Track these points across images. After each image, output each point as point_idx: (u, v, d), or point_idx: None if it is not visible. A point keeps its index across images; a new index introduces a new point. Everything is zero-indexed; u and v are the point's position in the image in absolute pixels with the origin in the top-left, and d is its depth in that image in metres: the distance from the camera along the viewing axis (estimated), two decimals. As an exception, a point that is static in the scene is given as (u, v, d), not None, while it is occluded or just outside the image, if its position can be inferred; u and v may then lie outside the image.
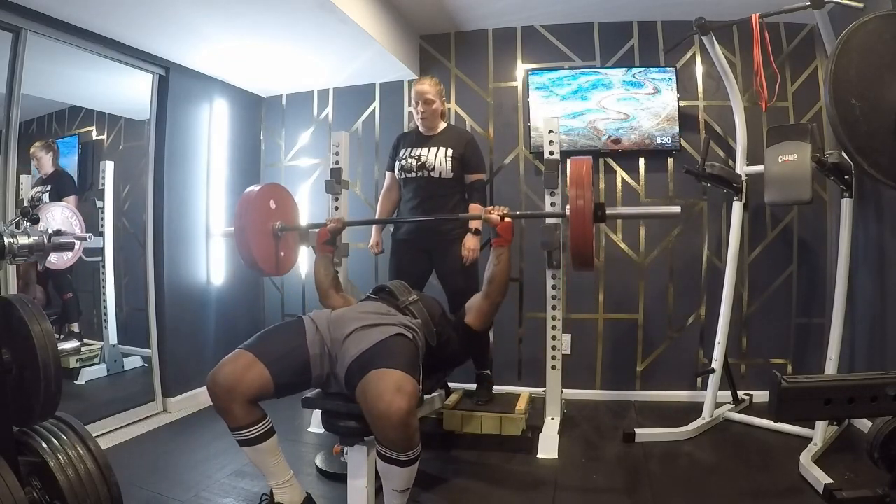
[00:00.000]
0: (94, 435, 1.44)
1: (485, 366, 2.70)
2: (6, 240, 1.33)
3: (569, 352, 3.11)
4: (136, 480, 2.08)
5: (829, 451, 2.26)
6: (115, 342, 3.12)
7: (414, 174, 2.57)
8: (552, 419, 2.51)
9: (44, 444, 1.33)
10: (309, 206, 3.56)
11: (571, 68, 3.19)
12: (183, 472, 2.24)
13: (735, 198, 2.71)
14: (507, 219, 2.05)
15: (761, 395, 2.94)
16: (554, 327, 2.51)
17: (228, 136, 3.42)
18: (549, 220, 2.44)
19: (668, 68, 3.06)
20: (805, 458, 2.12)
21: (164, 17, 2.41)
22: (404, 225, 2.65)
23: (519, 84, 3.29)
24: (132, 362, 3.17)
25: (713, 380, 2.68)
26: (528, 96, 3.19)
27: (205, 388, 1.67)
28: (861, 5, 2.08)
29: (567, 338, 3.11)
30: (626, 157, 3.16)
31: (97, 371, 3.06)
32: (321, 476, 2.20)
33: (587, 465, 2.29)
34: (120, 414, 2.73)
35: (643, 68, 3.08)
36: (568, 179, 1.96)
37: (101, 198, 3.02)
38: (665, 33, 3.13)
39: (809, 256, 3.03)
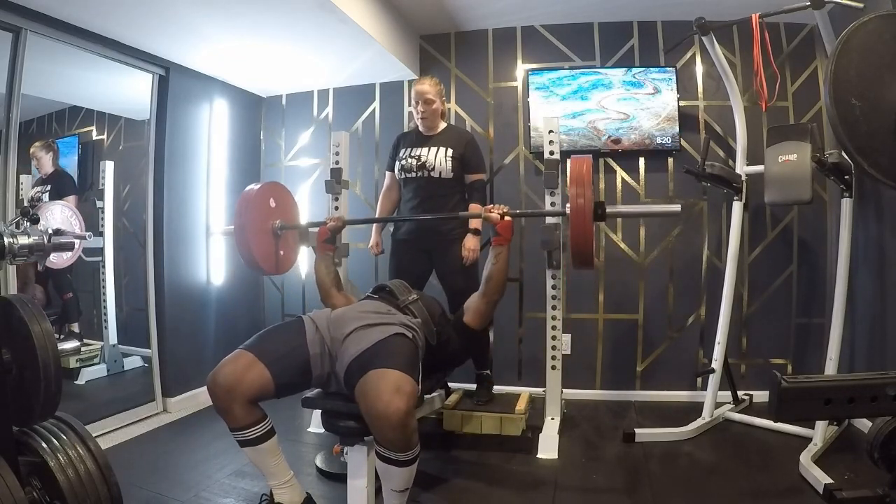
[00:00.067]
0: (94, 435, 1.44)
1: (485, 366, 2.70)
2: (6, 240, 1.33)
3: (569, 352, 3.11)
4: (136, 480, 2.08)
5: (829, 451, 2.26)
6: (115, 342, 3.12)
7: (414, 174, 2.57)
8: (552, 419, 2.51)
9: (44, 444, 1.33)
10: (309, 206, 3.56)
11: (571, 68, 3.19)
12: (183, 472, 2.24)
13: (735, 198, 2.71)
14: (506, 217, 2.05)
15: (761, 395, 2.94)
16: (554, 327, 2.51)
17: (228, 136, 3.42)
18: (549, 220, 2.44)
19: (668, 68, 3.06)
20: (805, 458, 2.12)
21: (164, 17, 2.41)
22: (404, 225, 2.65)
23: (519, 84, 3.29)
24: (132, 362, 3.17)
25: (713, 380, 2.68)
26: (528, 96, 3.19)
27: (205, 388, 1.67)
28: (861, 5, 2.08)
29: (567, 338, 3.11)
30: (626, 157, 3.16)
31: (97, 371, 3.06)
32: (321, 476, 2.20)
33: (587, 465, 2.29)
34: (120, 414, 2.73)
35: (643, 68, 3.08)
36: (568, 178, 1.96)
37: (101, 198, 3.02)
38: (665, 33, 3.13)
39: (809, 256, 3.03)
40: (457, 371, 2.30)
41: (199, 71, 3.15)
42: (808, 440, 2.27)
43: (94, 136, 3.14)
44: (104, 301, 3.08)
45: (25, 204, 2.67)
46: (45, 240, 1.40)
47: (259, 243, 2.20)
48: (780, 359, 3.07)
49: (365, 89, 3.51)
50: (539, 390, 2.70)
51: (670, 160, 3.14)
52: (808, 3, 2.21)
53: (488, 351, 2.78)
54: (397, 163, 2.64)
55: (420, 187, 2.57)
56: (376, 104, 3.51)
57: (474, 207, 2.52)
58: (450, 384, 2.71)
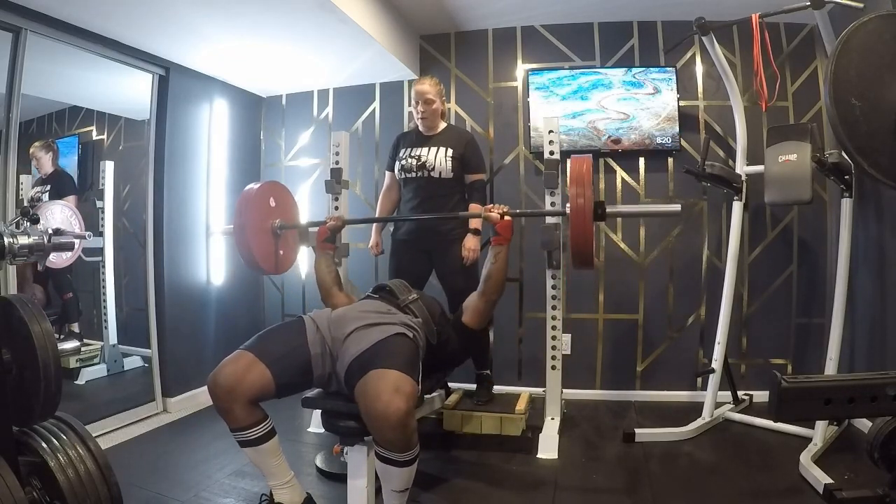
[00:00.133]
0: (94, 435, 1.44)
1: (485, 366, 2.70)
2: (6, 240, 1.33)
3: (569, 352, 3.11)
4: (136, 480, 2.08)
5: (829, 451, 2.26)
6: (115, 342, 3.12)
7: (414, 174, 2.57)
8: (552, 419, 2.51)
9: (44, 444, 1.33)
10: (309, 206, 3.56)
11: (571, 68, 3.19)
12: (183, 472, 2.24)
13: (735, 198, 2.71)
14: (506, 217, 2.05)
15: (761, 395, 2.94)
16: (554, 327, 2.51)
17: (228, 136, 3.42)
18: (549, 220, 2.44)
19: (668, 68, 3.06)
20: (805, 458, 2.12)
21: (164, 17, 2.41)
22: (404, 225, 2.65)
23: (519, 84, 3.29)
24: (132, 362, 3.17)
25: (713, 380, 2.68)
26: (528, 96, 3.19)
27: (205, 388, 1.67)
28: (861, 5, 2.08)
29: (567, 338, 3.11)
30: (626, 157, 3.16)
31: (97, 371, 3.06)
32: (321, 476, 2.20)
33: (587, 465, 2.29)
34: (120, 414, 2.73)
35: (643, 68, 3.08)
36: (568, 177, 1.96)
37: (101, 198, 3.02)
38: (665, 33, 3.13)
39: (809, 256, 3.03)
40: (457, 371, 2.30)
41: (199, 71, 3.15)
42: (808, 440, 2.27)
43: (94, 136, 3.14)
44: (104, 301, 3.08)
45: (25, 204, 2.67)
46: (45, 240, 1.40)
47: (259, 243, 2.20)
48: (780, 359, 3.07)
49: (365, 89, 3.51)
50: (539, 390, 2.70)
51: (670, 160, 3.14)
52: (808, 3, 2.21)
53: (488, 351, 2.78)
54: (397, 163, 2.64)
55: (420, 187, 2.57)
56: (376, 104, 3.51)
57: (474, 207, 2.51)
58: (450, 384, 2.71)
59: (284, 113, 3.72)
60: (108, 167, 3.04)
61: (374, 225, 2.84)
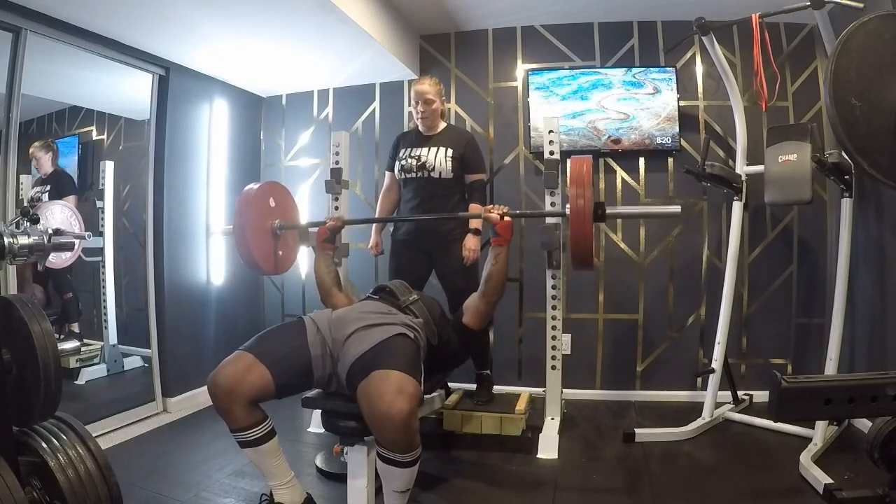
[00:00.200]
0: (94, 435, 1.44)
1: (485, 366, 2.70)
2: (6, 240, 1.32)
3: (569, 352, 3.11)
4: (136, 480, 2.08)
5: (829, 451, 2.26)
6: (115, 342, 3.12)
7: (414, 174, 2.57)
8: (552, 419, 2.51)
9: (44, 444, 1.33)
10: (309, 206, 3.56)
11: (571, 68, 3.19)
12: (183, 472, 2.24)
13: (735, 198, 2.71)
14: (506, 218, 2.04)
15: (761, 395, 2.94)
16: (554, 327, 2.51)
17: (228, 136, 3.42)
18: (548, 220, 2.44)
19: (668, 68, 3.06)
20: (805, 458, 2.12)
21: (164, 17, 2.41)
22: (404, 225, 2.65)
23: (519, 84, 3.29)
24: (132, 362, 3.17)
25: (713, 380, 2.68)
26: (528, 96, 3.19)
27: (205, 388, 1.67)
28: (861, 5, 2.08)
29: (567, 338, 3.11)
30: (626, 157, 3.16)
31: (97, 371, 3.06)
32: (321, 476, 2.20)
33: (587, 465, 2.29)
34: (120, 414, 2.73)
35: (643, 68, 3.08)
36: (568, 178, 1.95)
37: (101, 198, 3.02)
38: (665, 33, 3.13)
39: (809, 256, 3.03)
40: (457, 371, 2.30)
41: (199, 71, 3.15)
42: (808, 440, 2.27)
43: (94, 136, 3.14)
44: (104, 301, 3.08)
45: (25, 204, 2.67)
46: (45, 240, 1.40)
47: (258, 243, 2.20)
48: (780, 359, 3.07)
49: (365, 89, 3.51)
50: (539, 390, 2.70)
51: (670, 160, 3.14)
52: (808, 3, 2.21)
53: (488, 351, 2.78)
54: (397, 163, 2.64)
55: (420, 187, 2.57)
56: (376, 104, 3.51)
57: (474, 207, 2.51)
58: (450, 384, 2.71)
59: (284, 113, 3.72)
60: (108, 167, 3.04)
61: (374, 225, 2.84)
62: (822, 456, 2.20)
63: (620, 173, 3.19)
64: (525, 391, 2.77)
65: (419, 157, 2.57)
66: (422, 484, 1.99)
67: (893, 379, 1.00)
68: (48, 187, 2.86)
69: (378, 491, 1.70)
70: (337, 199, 2.75)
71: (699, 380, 3.06)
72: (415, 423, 1.51)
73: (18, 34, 2.27)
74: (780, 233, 3.05)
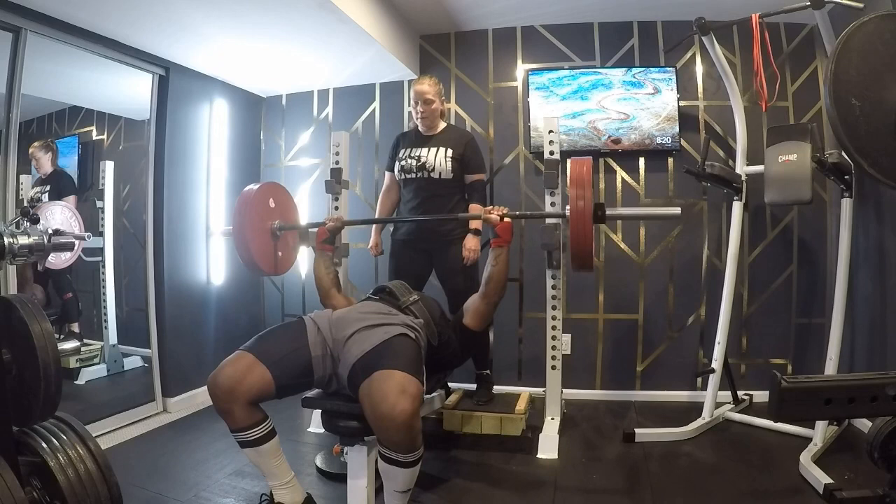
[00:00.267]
0: (94, 435, 1.43)
1: (485, 366, 2.70)
2: (6, 240, 1.32)
3: (569, 352, 3.11)
4: (136, 480, 2.08)
5: (829, 451, 2.26)
6: (115, 342, 3.12)
7: (414, 175, 2.57)
8: (552, 419, 2.51)
9: (44, 444, 1.33)
10: (309, 206, 3.56)
11: (571, 68, 3.19)
12: (183, 472, 2.24)
13: (735, 198, 2.71)
14: (506, 219, 2.04)
15: (761, 395, 2.94)
16: (554, 327, 2.51)
17: (228, 136, 3.42)
18: (549, 220, 2.44)
19: (668, 68, 3.06)
20: (805, 458, 2.12)
21: (164, 17, 2.41)
22: (404, 225, 2.65)
23: (519, 84, 3.29)
24: (132, 362, 3.16)
25: (713, 380, 2.68)
26: (528, 96, 3.19)
27: (205, 388, 1.67)
28: (861, 5, 2.08)
29: (567, 338, 3.11)
30: (626, 157, 3.16)
31: (97, 371, 3.06)
32: (321, 476, 2.20)
33: (587, 465, 2.29)
34: (120, 414, 2.73)
35: (643, 68, 3.08)
36: (568, 180, 1.95)
37: (101, 198, 3.02)
38: (665, 33, 3.13)
39: (809, 256, 3.03)
40: (457, 371, 2.31)
41: (199, 71, 3.15)
42: (808, 440, 2.27)
43: (94, 136, 3.14)
44: (104, 301, 3.08)
45: (25, 204, 2.67)
46: (45, 240, 1.40)
47: (258, 244, 2.20)
48: (780, 359, 3.07)
49: (365, 89, 3.51)
50: (539, 390, 2.70)
51: (670, 160, 3.14)
52: (808, 3, 2.21)
53: (488, 351, 2.79)
54: (397, 163, 2.64)
55: (420, 188, 2.57)
56: (376, 104, 3.51)
57: (474, 208, 2.51)
58: (450, 384, 2.71)
59: (284, 113, 3.72)
60: (108, 167, 3.04)
61: (374, 225, 2.84)
62: (822, 456, 2.20)
63: (620, 173, 3.19)
64: (525, 391, 2.77)
65: (419, 157, 2.56)
66: (422, 484, 1.99)
67: (893, 379, 1.00)
68: (48, 187, 2.86)
69: (378, 491, 1.70)
70: (337, 199, 2.75)
71: (699, 380, 3.07)
72: (417, 423, 1.51)
73: (18, 34, 2.27)
74: (780, 233, 3.05)
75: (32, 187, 2.83)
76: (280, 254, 2.33)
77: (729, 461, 2.30)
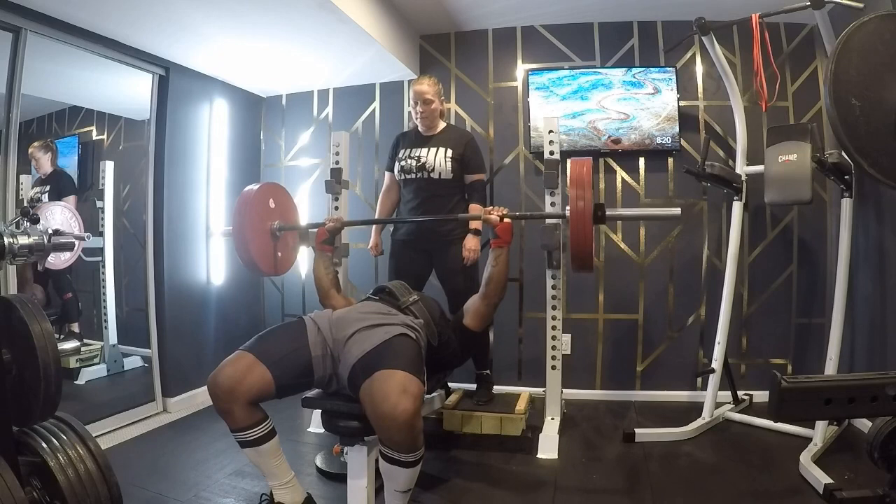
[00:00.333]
0: (94, 435, 1.44)
1: (485, 366, 2.70)
2: (6, 240, 1.32)
3: (569, 352, 3.11)
4: (136, 480, 2.08)
5: (829, 451, 2.26)
6: (115, 342, 3.12)
7: (413, 175, 2.57)
8: (552, 419, 2.51)
9: (44, 444, 1.33)
10: (309, 206, 3.56)
11: (571, 68, 3.19)
12: (183, 472, 2.24)
13: (735, 198, 2.71)
14: (506, 219, 2.04)
15: (761, 395, 2.94)
16: (554, 327, 2.51)
17: (228, 136, 3.42)
18: (548, 221, 2.44)
19: (668, 68, 3.06)
20: (805, 458, 2.12)
21: (164, 17, 2.41)
22: (404, 225, 2.65)
23: (519, 84, 3.29)
24: (132, 362, 3.16)
25: (713, 380, 2.68)
26: (528, 96, 3.19)
27: (205, 388, 1.67)
28: (861, 5, 2.08)
29: (567, 338, 3.11)
30: (626, 157, 3.16)
31: (97, 371, 3.06)
32: (321, 476, 2.20)
33: (587, 465, 2.29)
34: (120, 414, 2.73)
35: (643, 68, 3.08)
36: (568, 180, 1.95)
37: (101, 198, 3.02)
38: (665, 33, 3.13)
39: (809, 256, 3.03)
40: (457, 371, 2.31)
41: (199, 71, 3.15)
42: (808, 440, 2.27)
43: (94, 136, 3.14)
44: (104, 301, 3.08)
45: (25, 204, 2.67)
46: (45, 240, 1.40)
47: (257, 244, 2.20)
48: (780, 359, 3.07)
49: (365, 89, 3.51)
50: (539, 390, 2.70)
51: (670, 160, 3.14)
52: (808, 3, 2.21)
53: (488, 351, 2.79)
54: (397, 163, 2.64)
55: (420, 188, 2.57)
56: (376, 104, 3.51)
57: (474, 208, 2.51)
58: (450, 384, 2.71)
59: (284, 113, 3.72)
60: (108, 167, 3.04)
61: (374, 226, 2.84)
62: (822, 456, 2.20)
63: (620, 173, 3.19)
64: (525, 391, 2.77)
65: (419, 157, 2.56)
66: (422, 484, 1.99)
67: (893, 379, 1.00)
68: (48, 187, 2.86)
69: (378, 491, 1.70)
70: (337, 199, 2.75)
71: (699, 380, 3.07)
72: (419, 423, 1.51)
73: (18, 34, 2.27)
74: (780, 233, 3.05)
75: (32, 187, 2.83)
76: (280, 254, 2.33)
77: (729, 461, 2.30)
